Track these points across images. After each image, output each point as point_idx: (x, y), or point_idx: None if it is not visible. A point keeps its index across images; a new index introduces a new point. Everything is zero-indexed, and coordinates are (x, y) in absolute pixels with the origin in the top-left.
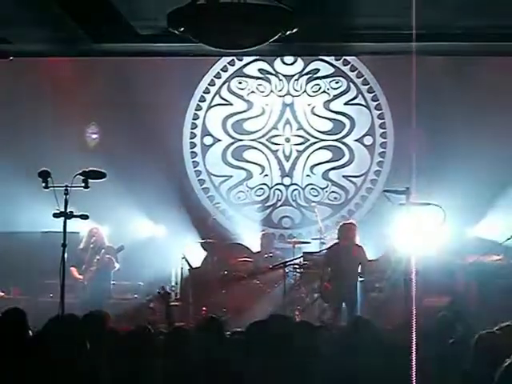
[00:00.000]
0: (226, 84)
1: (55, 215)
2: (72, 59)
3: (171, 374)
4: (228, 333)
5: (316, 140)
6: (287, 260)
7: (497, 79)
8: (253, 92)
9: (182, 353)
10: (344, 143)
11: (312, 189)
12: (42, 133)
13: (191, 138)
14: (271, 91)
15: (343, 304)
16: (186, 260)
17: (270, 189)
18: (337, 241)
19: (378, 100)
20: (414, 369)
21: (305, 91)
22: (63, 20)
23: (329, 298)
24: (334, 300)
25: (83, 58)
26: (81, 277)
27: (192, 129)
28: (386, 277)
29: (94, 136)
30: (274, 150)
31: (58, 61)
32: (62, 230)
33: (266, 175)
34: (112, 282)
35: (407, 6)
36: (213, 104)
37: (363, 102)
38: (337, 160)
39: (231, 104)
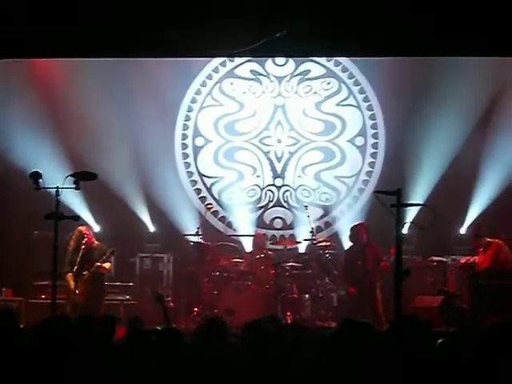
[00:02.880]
0: (218, 85)
1: (47, 216)
2: (61, 61)
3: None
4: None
5: (307, 141)
6: (279, 261)
7: (491, 81)
8: (244, 93)
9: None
10: (335, 144)
11: (304, 190)
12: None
13: (183, 140)
14: (263, 92)
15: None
16: (177, 261)
17: (262, 190)
18: (351, 244)
19: (369, 101)
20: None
21: (296, 92)
22: (58, 21)
23: (357, 301)
24: (362, 303)
25: (74, 60)
26: (77, 291)
27: (184, 130)
28: None
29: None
30: (265, 151)
31: (50, 62)
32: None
33: (258, 176)
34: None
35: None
36: (204, 105)
37: (355, 103)
38: (328, 161)
39: (223, 105)
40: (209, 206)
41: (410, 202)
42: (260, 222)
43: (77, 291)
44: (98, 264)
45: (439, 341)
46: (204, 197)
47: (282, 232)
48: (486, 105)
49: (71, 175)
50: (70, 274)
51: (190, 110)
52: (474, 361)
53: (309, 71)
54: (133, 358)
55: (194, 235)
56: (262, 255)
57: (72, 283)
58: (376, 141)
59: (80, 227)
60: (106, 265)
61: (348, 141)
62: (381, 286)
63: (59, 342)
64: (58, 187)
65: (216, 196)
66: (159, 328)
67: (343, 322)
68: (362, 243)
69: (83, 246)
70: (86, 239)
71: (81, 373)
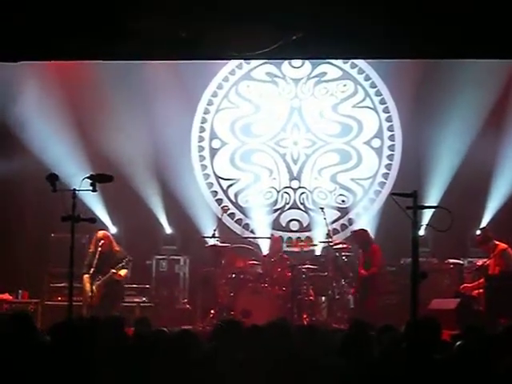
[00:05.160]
0: (234, 87)
1: (63, 219)
2: (78, 63)
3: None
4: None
5: (324, 143)
6: (295, 263)
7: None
8: (261, 95)
9: (189, 356)
10: (352, 146)
11: (320, 192)
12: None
13: (199, 142)
14: (279, 94)
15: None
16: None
17: (278, 192)
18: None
19: (385, 103)
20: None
21: (312, 94)
22: (73, 23)
23: (357, 303)
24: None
25: (90, 62)
26: (90, 294)
27: (200, 132)
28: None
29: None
30: (282, 154)
31: (68, 64)
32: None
33: (274, 178)
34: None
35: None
36: (221, 107)
37: (371, 105)
38: (345, 163)
39: (239, 107)
40: (225, 208)
41: (426, 203)
42: (276, 224)
43: (92, 293)
44: (113, 271)
45: (457, 343)
46: (220, 199)
47: (298, 234)
48: (500, 105)
49: (87, 177)
50: (87, 275)
51: (206, 112)
52: (489, 362)
53: (325, 73)
54: (139, 359)
55: (211, 237)
56: (279, 257)
57: (88, 285)
58: (392, 143)
59: (99, 232)
60: (122, 272)
61: (364, 143)
62: (378, 292)
63: (74, 343)
64: (74, 189)
65: (232, 198)
66: (166, 329)
67: (354, 322)
68: (362, 248)
69: (100, 249)
70: (102, 241)
71: (89, 373)
